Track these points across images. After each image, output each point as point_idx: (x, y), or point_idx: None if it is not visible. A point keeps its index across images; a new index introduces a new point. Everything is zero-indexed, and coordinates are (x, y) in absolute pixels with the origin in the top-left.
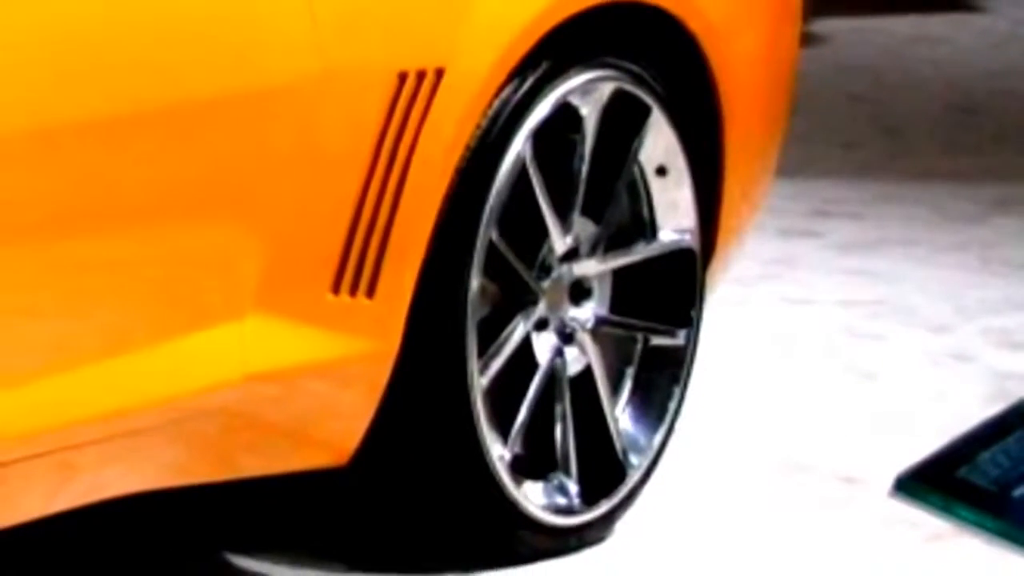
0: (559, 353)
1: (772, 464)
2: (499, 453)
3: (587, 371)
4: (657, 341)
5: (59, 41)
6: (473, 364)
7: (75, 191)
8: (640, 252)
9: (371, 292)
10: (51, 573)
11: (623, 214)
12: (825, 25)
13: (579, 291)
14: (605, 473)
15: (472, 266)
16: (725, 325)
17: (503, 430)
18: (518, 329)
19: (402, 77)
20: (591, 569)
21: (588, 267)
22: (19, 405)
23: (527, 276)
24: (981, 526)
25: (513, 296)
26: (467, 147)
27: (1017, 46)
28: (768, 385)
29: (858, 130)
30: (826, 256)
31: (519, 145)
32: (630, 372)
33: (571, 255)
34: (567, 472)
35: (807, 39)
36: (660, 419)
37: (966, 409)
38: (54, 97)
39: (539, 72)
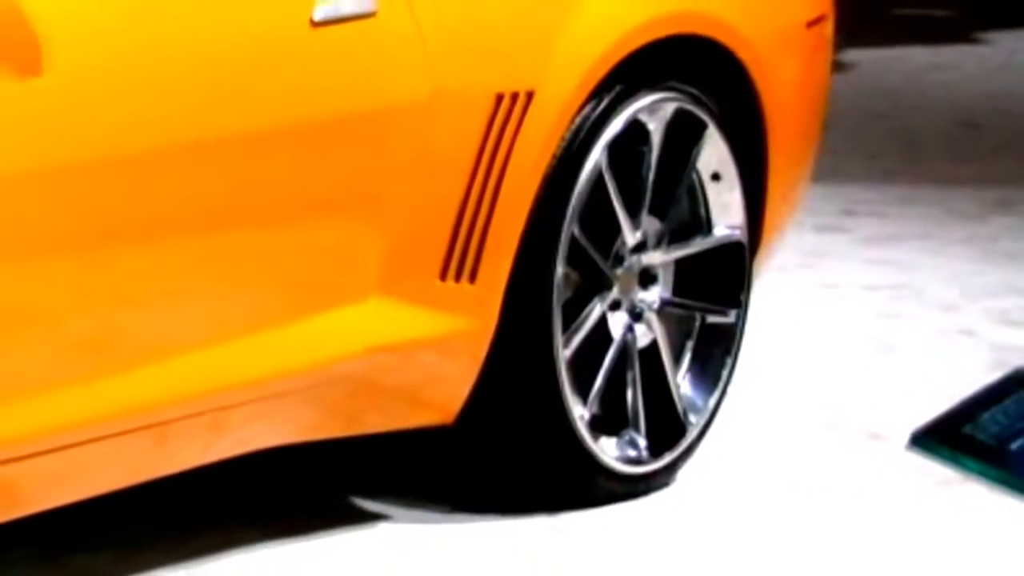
0: (630, 329)
1: (808, 422)
2: (580, 413)
3: (653, 344)
4: (712, 319)
5: (233, 71)
6: (558, 339)
7: (236, 192)
8: (698, 245)
9: (473, 278)
10: (196, 515)
11: (684, 213)
12: (853, 54)
13: (647, 277)
14: (668, 430)
15: (557, 257)
16: (769, 306)
17: (583, 394)
18: (596, 309)
19: (499, 98)
20: (657, 510)
21: (654, 257)
22: (182, 372)
23: (603, 265)
24: (983, 474)
25: (592, 282)
26: (553, 157)
27: (1013, 72)
28: (804, 356)
29: (880, 143)
30: (853, 248)
31: (596, 155)
32: (689, 345)
33: (640, 247)
34: (637, 429)
35: (837, 66)
36: (714, 384)
37: (970, 377)
38: (222, 114)
39: (613, 94)
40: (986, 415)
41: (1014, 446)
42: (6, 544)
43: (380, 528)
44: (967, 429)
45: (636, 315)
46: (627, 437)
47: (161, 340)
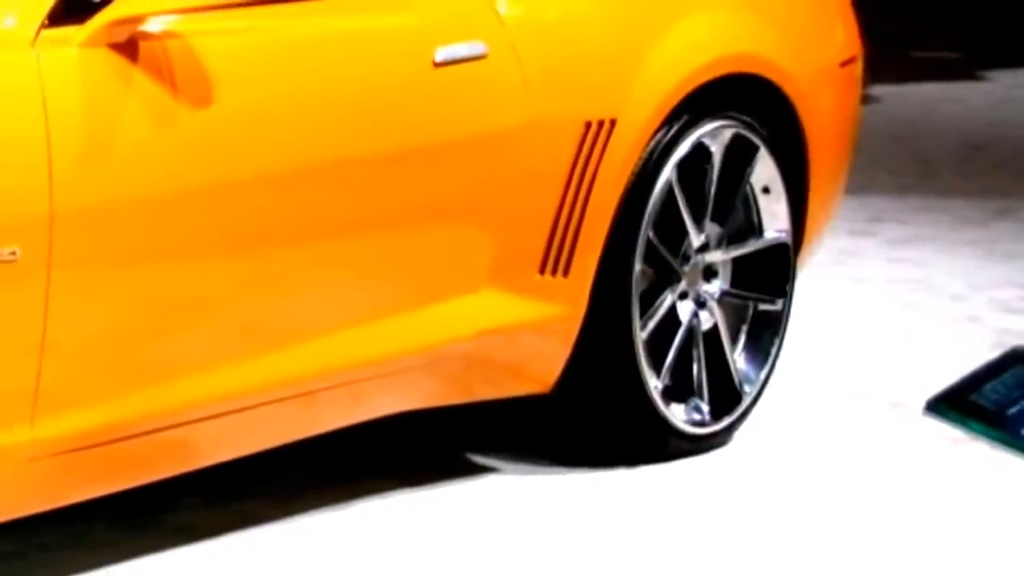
0: (695, 315)
1: (841, 393)
2: (654, 384)
3: (714, 328)
4: (763, 307)
5: (370, 104)
6: (636, 323)
7: (373, 202)
8: (751, 245)
9: (566, 273)
10: (339, 468)
11: (739, 219)
12: (878, 89)
13: (709, 272)
14: (727, 398)
15: (636, 255)
16: (809, 296)
17: (657, 368)
18: (667, 299)
19: (588, 125)
20: (718, 463)
21: (715, 256)
22: (326, 351)
23: (673, 262)
24: (986, 435)
25: (664, 276)
26: (632, 173)
27: (1011, 104)
28: (838, 338)
29: (900, 162)
30: (878, 249)
31: (668, 172)
32: (744, 328)
33: (703, 248)
34: (701, 397)
35: (865, 99)
36: (764, 361)
37: (975, 354)
38: (362, 139)
39: (682, 122)
40: (988, 386)
41: (1011, 411)
42: (177, 490)
43: (489, 479)
44: (973, 397)
45: (700, 303)
46: (693, 404)
47: (310, 324)
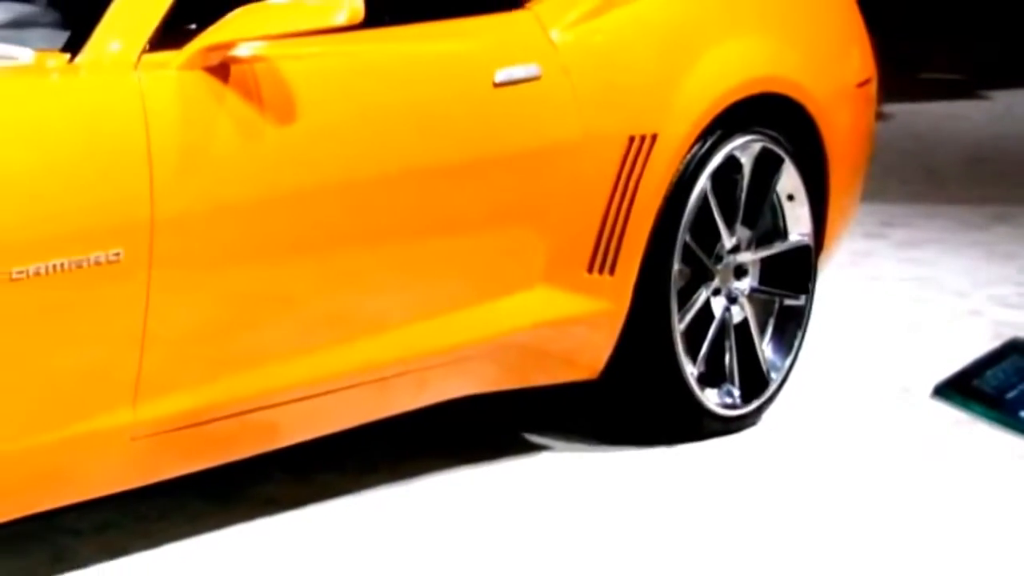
0: (727, 309)
1: (857, 378)
2: (691, 371)
3: (744, 320)
4: (788, 302)
5: (438, 120)
6: (675, 317)
7: (440, 207)
8: (777, 247)
9: (612, 272)
10: (407, 446)
11: (767, 224)
12: (890, 107)
13: (740, 271)
14: (755, 383)
15: (674, 256)
16: (828, 293)
17: (693, 356)
18: (702, 295)
19: (631, 139)
20: (747, 441)
21: (745, 256)
22: (398, 341)
23: (708, 262)
24: (986, 416)
25: (699, 274)
26: (671, 183)
27: (1010, 120)
28: (854, 330)
29: (910, 172)
30: (890, 250)
31: (703, 182)
32: (771, 321)
33: (735, 249)
34: (732, 382)
35: (879, 116)
36: (789, 350)
37: (977, 345)
38: (431, 151)
39: (715, 136)
40: (989, 372)
41: (1010, 395)
42: (264, 466)
43: (542, 456)
44: (975, 383)
45: (732, 299)
46: (725, 388)
47: (382, 318)
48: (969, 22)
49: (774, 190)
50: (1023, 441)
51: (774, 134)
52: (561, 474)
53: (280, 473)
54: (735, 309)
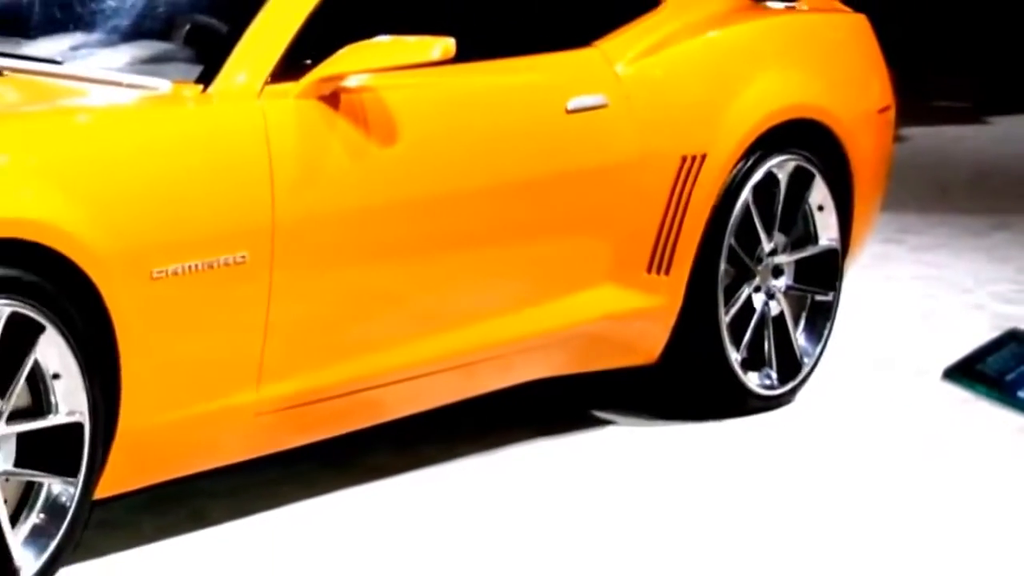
0: (766, 304)
1: (876, 362)
2: (735, 357)
3: (781, 313)
4: (818, 298)
5: (520, 141)
6: (721, 310)
7: (522, 216)
8: (809, 250)
9: (667, 272)
10: (488, 422)
11: (800, 230)
12: (906, 131)
13: (777, 271)
14: (790, 367)
15: (721, 258)
16: (852, 289)
17: (737, 344)
18: (744, 291)
19: (684, 158)
20: (783, 417)
21: (782, 259)
22: (485, 331)
23: (750, 263)
24: (988, 396)
25: (742, 274)
26: (718, 196)
27: (1009, 143)
28: (874, 321)
29: (922, 186)
30: (905, 253)
31: (745, 195)
32: (804, 314)
33: (773, 252)
34: (770, 366)
35: (896, 138)
36: (819, 339)
37: (980, 334)
38: (513, 167)
39: (756, 156)
40: (990, 358)
41: (1008, 378)
42: (371, 438)
43: (607, 429)
44: (978, 367)
45: (770, 295)
46: (764, 372)
47: (471, 312)
48: (973, 58)
49: (806, 202)
50: (1020, 417)
51: (806, 154)
52: (623, 445)
53: (384, 444)
54: (773, 303)
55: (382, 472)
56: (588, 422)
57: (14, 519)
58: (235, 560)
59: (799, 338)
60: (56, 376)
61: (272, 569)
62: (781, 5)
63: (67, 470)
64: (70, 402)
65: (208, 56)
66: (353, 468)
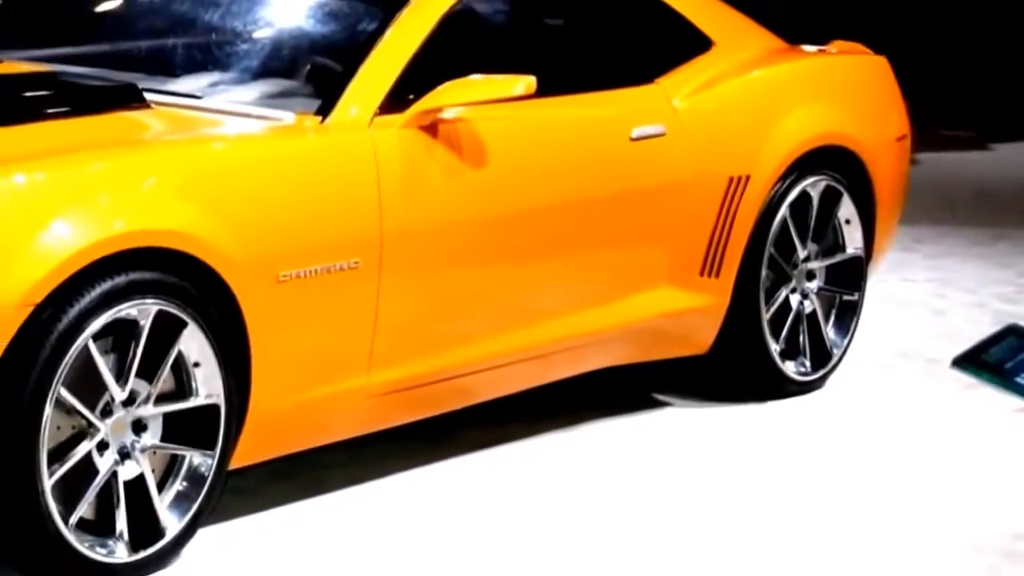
0: (801, 303)
1: (895, 353)
2: (775, 348)
3: (814, 311)
4: (845, 298)
5: (591, 165)
6: (762, 308)
7: (592, 229)
8: (838, 257)
9: (717, 275)
10: (562, 405)
11: (830, 240)
12: (920, 155)
13: (810, 275)
14: (822, 356)
15: (762, 264)
16: (874, 290)
17: (776, 337)
18: (782, 292)
19: (731, 179)
20: (816, 399)
21: (815, 264)
22: (560, 327)
23: (787, 268)
24: (991, 382)
25: (780, 277)
26: (759, 211)
27: (1009, 167)
28: (893, 317)
29: (933, 203)
30: (919, 260)
31: (783, 210)
32: (833, 312)
33: (807, 259)
34: (805, 356)
35: (912, 162)
36: (846, 332)
37: (983, 328)
38: (586, 188)
39: (792, 177)
40: (992, 349)
41: (1008, 365)
42: (464, 417)
43: (666, 410)
44: (982, 356)
45: (805, 295)
46: (800, 360)
47: (548, 310)
48: (977, 94)
49: (835, 216)
50: (1018, 399)
51: (835, 175)
52: (679, 423)
53: (475, 423)
54: (807, 302)
55: (473, 447)
56: (649, 404)
57: (160, 487)
58: (348, 522)
59: (829, 332)
60: (196, 365)
61: (379, 530)
62: (814, 48)
63: (206, 445)
64: (208, 387)
65: (326, 92)
66: (448, 443)
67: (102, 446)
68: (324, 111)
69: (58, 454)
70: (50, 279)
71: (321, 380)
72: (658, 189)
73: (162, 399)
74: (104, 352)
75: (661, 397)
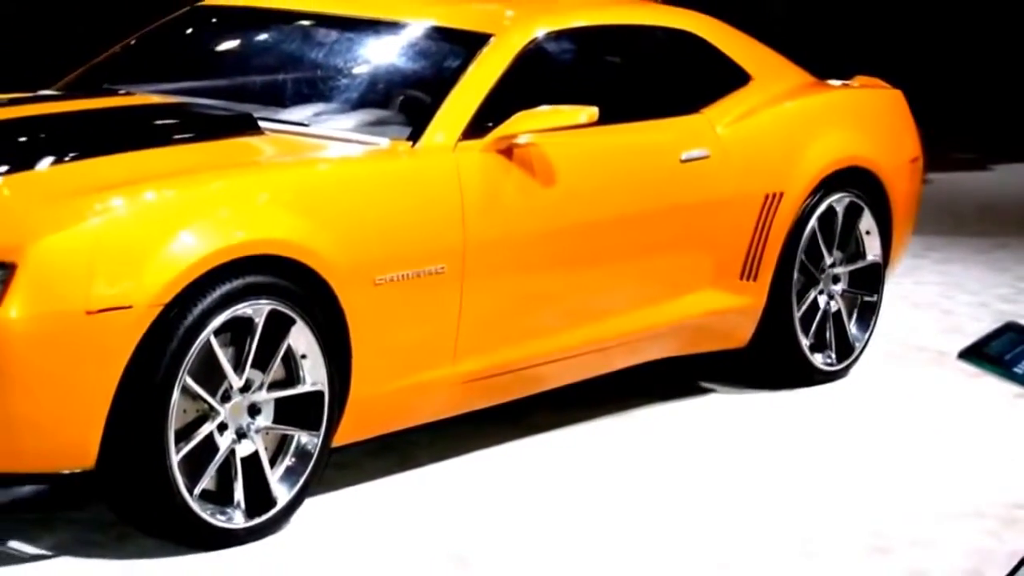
0: (828, 303)
1: (908, 346)
2: (805, 342)
3: (839, 310)
4: (865, 298)
5: (646, 184)
6: (794, 307)
7: (647, 237)
8: (859, 264)
9: (755, 279)
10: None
11: (853, 248)
12: (931, 175)
13: (836, 279)
14: (846, 349)
15: (794, 269)
16: (891, 292)
17: (806, 332)
18: (811, 294)
19: (767, 196)
20: (840, 386)
21: (840, 270)
22: (618, 324)
23: (816, 273)
24: (993, 371)
25: (809, 281)
26: (791, 223)
27: (1008, 184)
28: (906, 316)
29: (941, 216)
30: (928, 265)
31: (812, 222)
32: (855, 311)
33: (832, 265)
34: (831, 348)
35: (923, 181)
36: (867, 328)
37: (986, 325)
38: (642, 202)
39: (820, 194)
40: (994, 343)
41: (1007, 357)
42: (531, 402)
43: (710, 396)
44: (985, 349)
45: (831, 296)
46: (826, 353)
47: (608, 309)
48: (980, 122)
49: (857, 228)
50: (1017, 387)
51: (857, 192)
52: (721, 407)
53: (543, 407)
54: (832, 303)
55: (539, 429)
56: (695, 391)
57: (272, 462)
58: (434, 493)
59: (852, 328)
60: (303, 356)
61: (458, 501)
62: (839, 83)
63: (311, 426)
64: (314, 375)
65: (416, 121)
66: (517, 425)
67: (222, 427)
68: (414, 137)
69: (184, 434)
70: (177, 282)
71: (412, 370)
72: (703, 204)
73: (274, 386)
74: (224, 345)
75: (706, 385)
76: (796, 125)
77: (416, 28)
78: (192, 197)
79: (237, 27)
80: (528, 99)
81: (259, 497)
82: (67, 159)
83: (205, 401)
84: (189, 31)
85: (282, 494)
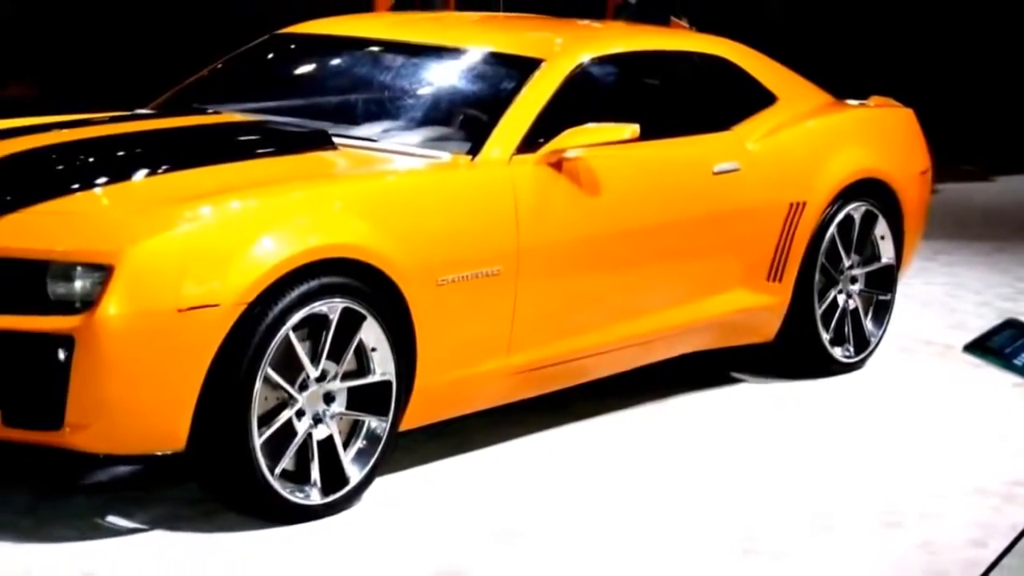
0: (846, 301)
1: (917, 340)
2: (825, 337)
3: (856, 308)
4: (880, 297)
5: (681, 195)
6: (816, 305)
7: (682, 243)
8: (874, 265)
9: (780, 280)
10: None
11: (868, 251)
12: (938, 186)
13: (853, 279)
14: (862, 343)
15: (815, 271)
16: (903, 292)
17: (826, 328)
18: (831, 293)
19: (791, 205)
20: (857, 376)
21: (857, 271)
22: (657, 320)
23: (835, 274)
24: (995, 363)
25: (829, 281)
26: (813, 230)
27: (1008, 193)
28: (916, 313)
29: (947, 223)
30: (936, 267)
31: (832, 229)
32: (871, 308)
33: (850, 267)
34: (848, 343)
35: (932, 190)
36: (881, 324)
37: (988, 321)
38: (678, 211)
39: (839, 203)
40: (995, 337)
41: (1008, 350)
42: (572, 392)
43: (740, 385)
44: (987, 343)
45: (849, 295)
46: (845, 346)
47: (648, 307)
48: (983, 136)
49: (873, 233)
50: (1016, 377)
51: (873, 202)
52: (750, 395)
53: (585, 396)
54: (850, 301)
55: (581, 416)
56: (726, 380)
57: (345, 445)
58: (489, 473)
59: (868, 324)
60: (373, 349)
61: (510, 481)
62: (856, 103)
63: (381, 412)
64: (383, 367)
65: (474, 137)
66: (561, 413)
67: (300, 413)
68: (473, 152)
69: (265, 420)
70: (259, 283)
71: (470, 362)
72: (734, 213)
73: (346, 376)
74: (301, 340)
75: (736, 375)
76: (818, 141)
77: (475, 54)
78: (273, 206)
79: (313, 52)
80: (576, 117)
81: (334, 476)
82: (160, 171)
83: (284, 390)
84: (270, 56)
85: (354, 474)
